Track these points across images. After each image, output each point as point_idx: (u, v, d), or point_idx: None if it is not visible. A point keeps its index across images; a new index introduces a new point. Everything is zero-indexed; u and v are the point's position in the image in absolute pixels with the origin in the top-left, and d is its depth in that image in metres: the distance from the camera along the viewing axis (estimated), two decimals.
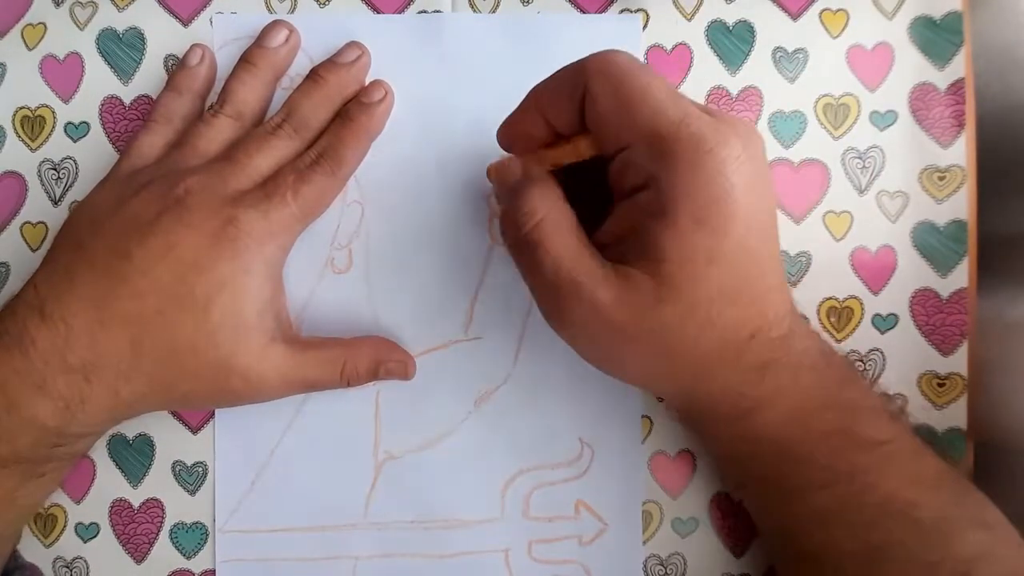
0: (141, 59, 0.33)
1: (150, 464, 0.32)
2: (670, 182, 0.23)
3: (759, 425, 0.26)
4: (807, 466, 0.26)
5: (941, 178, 0.32)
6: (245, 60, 0.32)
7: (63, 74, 0.33)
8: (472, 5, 0.33)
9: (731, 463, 0.30)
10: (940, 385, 0.32)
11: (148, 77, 0.33)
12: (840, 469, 0.26)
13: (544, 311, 0.27)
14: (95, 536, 0.32)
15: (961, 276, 0.32)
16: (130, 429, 0.32)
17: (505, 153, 0.29)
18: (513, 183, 0.27)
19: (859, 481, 0.26)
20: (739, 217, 0.23)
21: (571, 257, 0.24)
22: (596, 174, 0.26)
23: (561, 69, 0.25)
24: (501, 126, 0.28)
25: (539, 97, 0.26)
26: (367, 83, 0.32)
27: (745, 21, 0.33)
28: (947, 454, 0.31)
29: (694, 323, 0.24)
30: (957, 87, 0.32)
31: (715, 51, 0.33)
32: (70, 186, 0.33)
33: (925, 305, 0.32)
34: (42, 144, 0.33)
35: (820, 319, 0.32)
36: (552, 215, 0.25)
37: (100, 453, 0.32)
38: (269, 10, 0.33)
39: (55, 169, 0.33)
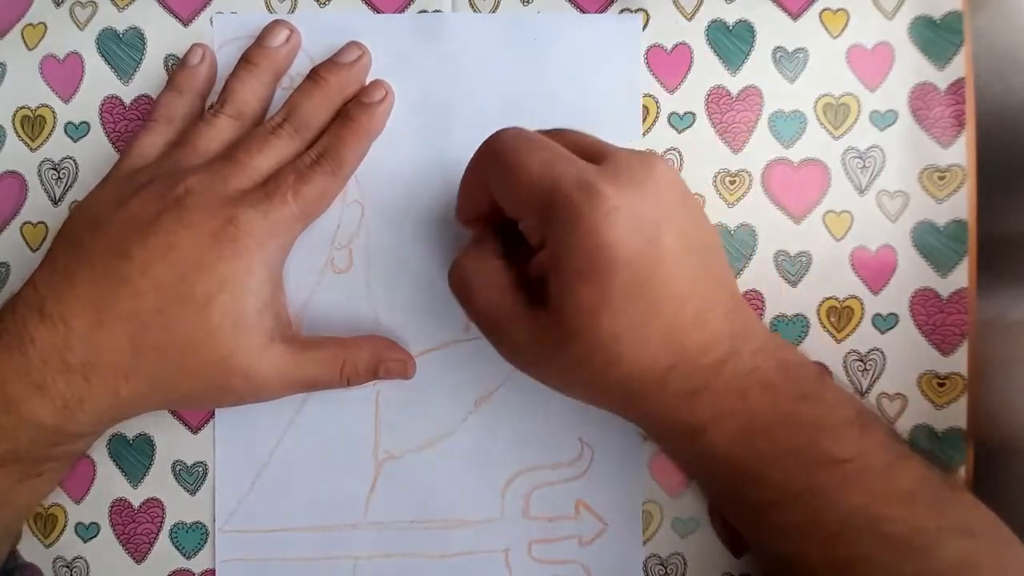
0: (141, 59, 0.33)
1: (150, 464, 0.32)
2: (552, 243, 0.25)
3: (707, 446, 0.26)
4: (762, 485, 0.26)
5: (941, 178, 0.32)
6: (245, 60, 0.32)
7: (63, 74, 0.33)
8: (472, 5, 0.33)
9: (697, 478, 0.31)
10: (940, 385, 0.32)
11: (148, 77, 0.33)
12: (797, 488, 0.26)
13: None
14: (95, 536, 0.32)
15: (961, 276, 0.32)
16: (130, 429, 0.32)
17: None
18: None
19: (819, 498, 0.25)
20: (621, 266, 0.24)
21: (492, 304, 0.27)
22: None
23: (473, 155, 0.28)
24: (455, 208, 0.30)
25: (465, 183, 0.29)
26: (367, 83, 0.32)
27: (745, 21, 0.33)
28: (938, 459, 0.31)
29: (599, 362, 0.25)
30: (957, 87, 0.32)
31: (715, 51, 0.33)
32: (70, 186, 0.33)
33: (925, 305, 0.32)
34: (42, 144, 0.33)
35: (820, 319, 0.32)
36: (479, 271, 0.28)
37: (100, 453, 0.32)
38: (269, 10, 0.33)
39: (55, 169, 0.33)
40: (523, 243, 0.27)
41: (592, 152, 0.26)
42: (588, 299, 0.24)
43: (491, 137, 0.27)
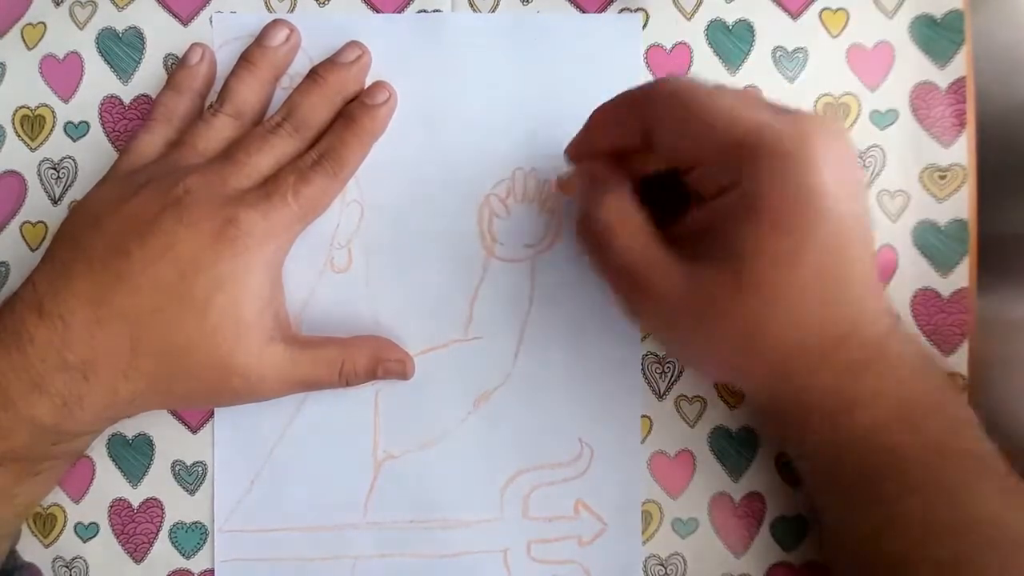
0: (141, 58, 0.33)
1: (150, 464, 0.32)
2: (751, 187, 0.23)
3: (853, 428, 0.25)
4: (907, 471, 0.25)
5: (942, 177, 0.32)
6: (245, 59, 0.32)
7: (63, 74, 0.33)
8: (472, 5, 0.33)
9: (816, 466, 0.29)
10: None
11: (148, 76, 0.33)
12: (935, 478, 0.25)
13: (621, 306, 0.27)
14: (95, 536, 0.32)
15: (962, 276, 0.32)
16: (130, 429, 0.32)
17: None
18: (586, 190, 0.28)
19: (952, 493, 0.25)
20: (822, 220, 0.23)
21: (639, 251, 0.25)
22: (670, 175, 0.27)
23: (622, 95, 0.26)
24: (569, 146, 0.29)
25: (603, 122, 0.27)
26: (370, 84, 0.32)
27: (745, 20, 0.33)
28: None
29: (777, 322, 0.24)
30: (958, 86, 0.32)
31: (715, 51, 0.33)
32: (70, 186, 0.33)
33: (926, 305, 0.32)
34: (42, 144, 0.33)
35: None
36: (621, 216, 0.26)
37: (100, 453, 0.32)
38: (269, 9, 0.33)
39: (55, 169, 0.33)
40: (656, 203, 0.25)
41: (773, 104, 0.25)
42: (788, 248, 0.23)
43: (660, 85, 0.25)
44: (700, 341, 0.26)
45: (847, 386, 0.25)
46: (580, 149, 0.28)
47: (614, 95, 0.27)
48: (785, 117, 0.23)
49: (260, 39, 0.32)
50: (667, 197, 0.26)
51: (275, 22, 0.32)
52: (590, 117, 0.27)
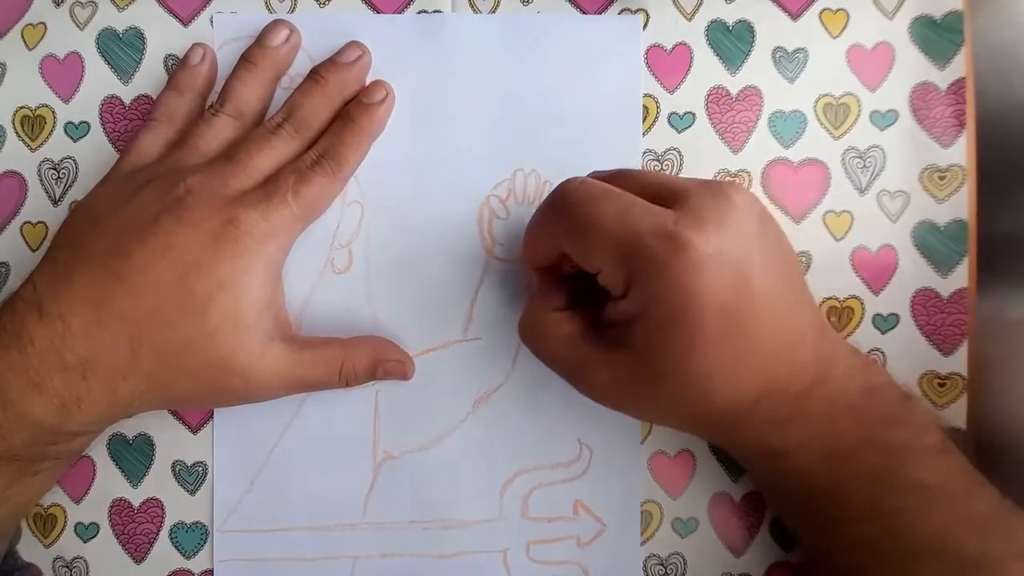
0: (141, 59, 0.33)
1: (150, 464, 0.32)
2: (637, 295, 0.25)
3: (793, 467, 0.27)
4: (845, 504, 0.27)
5: (942, 178, 0.32)
6: (245, 59, 0.32)
7: (63, 74, 0.33)
8: (472, 5, 0.33)
9: (772, 495, 0.31)
10: (940, 385, 0.32)
11: (148, 77, 0.33)
12: (881, 508, 0.26)
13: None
14: (95, 536, 0.32)
15: (961, 276, 0.32)
16: (130, 429, 0.32)
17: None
18: (528, 297, 0.30)
19: (900, 520, 0.26)
20: (711, 313, 0.24)
21: (568, 354, 0.27)
22: None
23: (541, 205, 0.28)
24: (524, 257, 0.30)
25: (529, 237, 0.28)
26: (368, 83, 0.32)
27: (745, 21, 0.33)
28: None
29: (690, 399, 0.25)
30: (958, 87, 0.32)
31: (715, 51, 0.33)
32: (70, 186, 0.33)
33: (926, 305, 0.32)
34: (42, 144, 0.33)
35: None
36: (549, 326, 0.28)
37: (100, 453, 0.32)
38: (269, 10, 0.33)
39: (55, 169, 0.33)
40: (591, 288, 0.27)
41: (663, 192, 0.26)
42: (679, 344, 0.24)
43: (556, 191, 0.26)
44: (637, 410, 0.28)
45: (772, 438, 0.27)
46: (529, 264, 0.29)
47: (538, 207, 0.28)
48: (658, 223, 0.24)
49: (260, 39, 0.32)
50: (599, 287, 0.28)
51: (275, 22, 0.32)
52: (525, 231, 0.29)
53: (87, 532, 0.32)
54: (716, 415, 0.26)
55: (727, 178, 0.33)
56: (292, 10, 0.33)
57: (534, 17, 0.33)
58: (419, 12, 0.33)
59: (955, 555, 0.25)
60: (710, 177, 0.33)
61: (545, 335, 0.28)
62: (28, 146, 0.33)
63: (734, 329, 0.24)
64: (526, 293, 0.32)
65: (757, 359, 0.25)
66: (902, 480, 0.26)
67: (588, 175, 0.27)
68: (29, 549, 0.32)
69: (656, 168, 0.33)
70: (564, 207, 0.26)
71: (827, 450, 0.26)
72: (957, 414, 0.32)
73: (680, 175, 0.33)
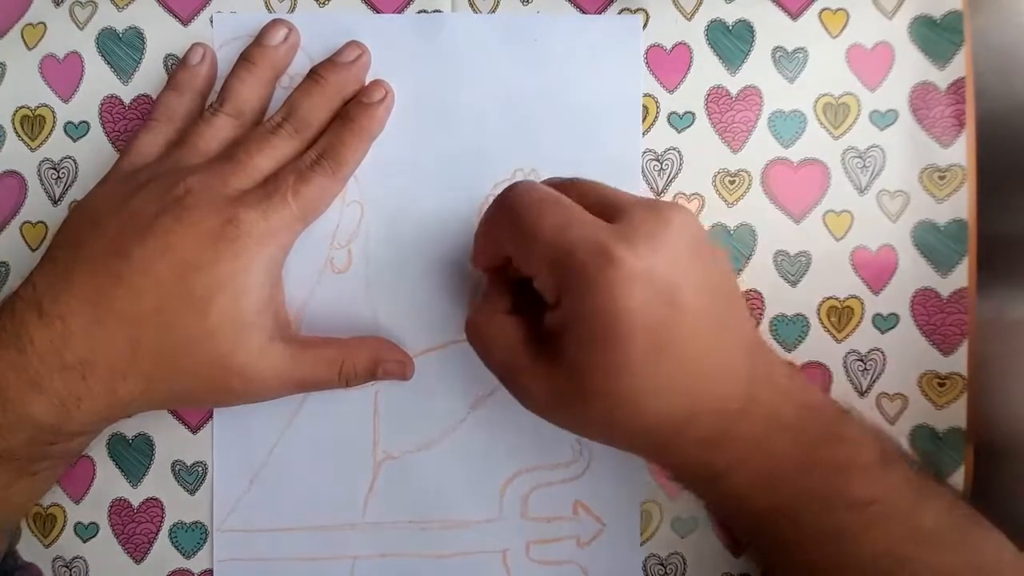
0: (141, 59, 0.33)
1: (150, 464, 0.32)
2: (566, 307, 0.24)
3: (729, 489, 0.27)
4: (788, 526, 0.26)
5: (941, 177, 0.32)
6: (244, 59, 0.32)
7: (63, 74, 0.33)
8: (472, 5, 0.33)
9: (722, 516, 0.31)
10: (940, 385, 0.32)
11: (148, 77, 0.33)
12: (822, 530, 0.26)
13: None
14: (94, 536, 0.32)
15: (961, 276, 0.32)
16: (130, 428, 0.32)
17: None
18: (475, 299, 0.30)
19: (845, 542, 0.25)
20: (640, 332, 0.23)
21: (510, 360, 0.27)
22: None
23: (487, 209, 0.27)
24: (471, 257, 0.30)
25: (479, 235, 0.28)
26: (367, 83, 0.32)
27: (745, 21, 0.33)
28: (939, 463, 0.32)
29: (618, 416, 0.25)
30: (957, 86, 0.32)
31: (715, 51, 0.33)
32: (70, 186, 0.33)
33: (926, 305, 0.32)
34: (42, 144, 0.33)
35: (820, 319, 0.32)
36: (493, 330, 0.27)
37: (100, 452, 0.32)
38: (269, 9, 0.33)
39: (55, 169, 0.33)
40: (537, 294, 0.26)
41: (606, 206, 0.26)
42: (605, 362, 0.24)
43: (503, 193, 0.26)
44: (572, 425, 0.28)
45: (703, 459, 0.26)
46: (476, 263, 0.29)
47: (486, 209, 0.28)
48: (591, 238, 0.24)
49: (259, 38, 0.32)
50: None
51: (274, 21, 0.32)
52: (475, 233, 0.29)
53: (87, 532, 0.32)
54: (646, 435, 0.26)
55: (727, 178, 0.33)
56: (292, 10, 0.33)
57: (534, 17, 0.33)
58: (419, 12, 0.33)
59: (904, 573, 0.25)
60: (710, 177, 0.33)
61: (488, 338, 0.28)
62: (28, 146, 0.33)
63: (661, 348, 0.24)
64: (473, 295, 0.32)
65: (685, 379, 0.25)
66: (841, 500, 0.26)
67: (542, 182, 0.27)
68: (29, 549, 0.32)
69: (656, 168, 0.33)
70: (508, 210, 0.26)
71: (763, 472, 0.26)
72: (957, 414, 0.32)
73: (679, 175, 0.33)
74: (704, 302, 0.25)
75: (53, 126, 0.33)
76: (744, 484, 0.26)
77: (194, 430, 0.32)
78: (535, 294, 0.26)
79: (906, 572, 0.25)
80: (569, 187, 0.27)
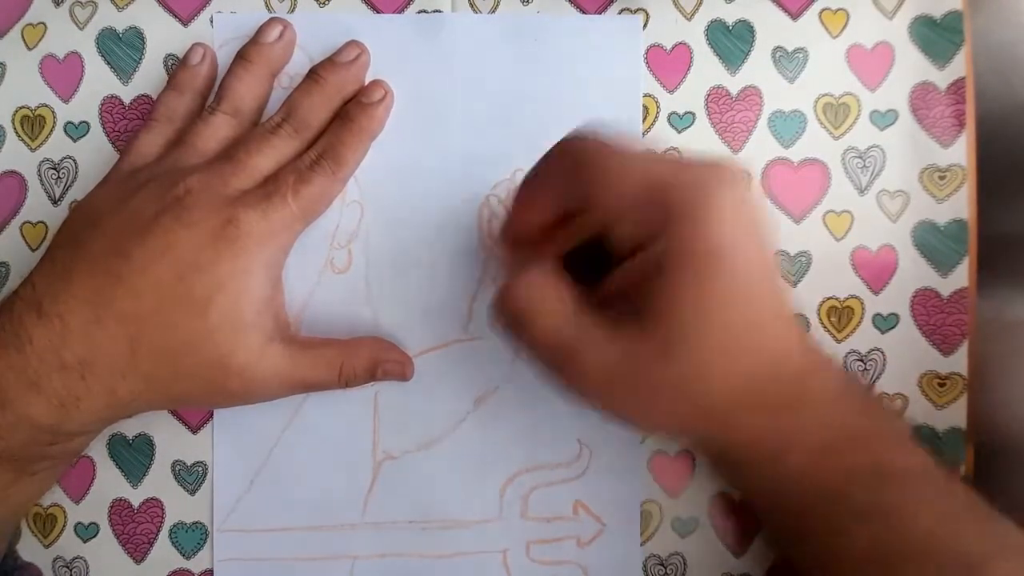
0: (141, 59, 0.33)
1: (150, 464, 0.32)
2: (664, 241, 0.23)
3: (789, 467, 0.26)
4: (842, 504, 0.26)
5: (942, 177, 0.32)
6: (240, 57, 0.32)
7: (63, 74, 0.33)
8: (472, 5, 0.33)
9: (768, 504, 0.29)
10: (940, 385, 0.32)
11: (148, 77, 0.33)
12: (878, 502, 0.25)
13: (551, 378, 0.26)
14: (95, 536, 0.32)
15: (961, 276, 0.32)
16: (130, 429, 0.32)
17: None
18: (509, 266, 0.28)
19: (899, 514, 0.25)
20: (738, 266, 0.23)
21: (564, 328, 0.25)
22: (591, 247, 0.26)
23: (542, 160, 0.26)
24: (504, 227, 0.28)
25: (527, 196, 0.27)
26: (367, 83, 0.32)
27: (745, 21, 0.33)
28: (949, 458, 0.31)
29: (706, 376, 0.24)
30: (957, 86, 0.32)
31: (715, 51, 0.33)
32: (70, 186, 0.33)
33: (926, 305, 0.32)
34: (42, 144, 0.33)
35: (820, 319, 0.32)
36: (543, 293, 0.25)
37: (100, 453, 0.32)
38: (269, 9, 0.33)
39: (55, 169, 0.33)
40: (582, 267, 0.26)
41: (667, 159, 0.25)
42: (702, 300, 0.23)
43: (567, 142, 0.25)
44: (632, 402, 0.26)
45: (772, 429, 0.26)
46: (515, 230, 0.27)
47: (535, 163, 0.26)
48: (689, 172, 0.24)
49: (255, 37, 0.32)
50: (590, 268, 0.26)
51: (269, 20, 0.32)
52: (519, 189, 0.27)
53: (87, 532, 0.32)
54: (721, 398, 0.25)
55: None
56: (292, 10, 0.33)
57: (534, 17, 0.33)
58: (419, 12, 0.33)
59: (952, 553, 0.24)
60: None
61: (535, 302, 0.25)
62: (28, 146, 0.33)
63: (755, 291, 0.23)
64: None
65: (773, 332, 0.24)
66: (889, 470, 0.25)
67: None
68: (29, 549, 0.32)
69: None
70: (579, 152, 0.25)
71: (823, 444, 0.26)
72: (957, 414, 0.32)
73: None
74: (773, 264, 0.25)
75: (53, 126, 0.33)
76: (803, 460, 0.26)
77: (194, 430, 0.32)
78: (581, 266, 0.25)
79: (953, 553, 0.24)
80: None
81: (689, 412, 0.26)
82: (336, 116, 0.31)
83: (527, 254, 0.27)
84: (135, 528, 0.32)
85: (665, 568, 0.32)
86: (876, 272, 0.32)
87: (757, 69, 0.33)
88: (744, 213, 0.23)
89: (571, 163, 0.25)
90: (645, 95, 0.33)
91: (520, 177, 0.32)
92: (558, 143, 0.25)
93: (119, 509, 0.32)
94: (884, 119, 0.32)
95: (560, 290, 0.25)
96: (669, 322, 0.23)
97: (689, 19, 0.33)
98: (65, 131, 0.33)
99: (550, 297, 0.25)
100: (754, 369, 0.25)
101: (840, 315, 0.32)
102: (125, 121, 0.33)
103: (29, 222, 0.33)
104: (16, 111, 0.33)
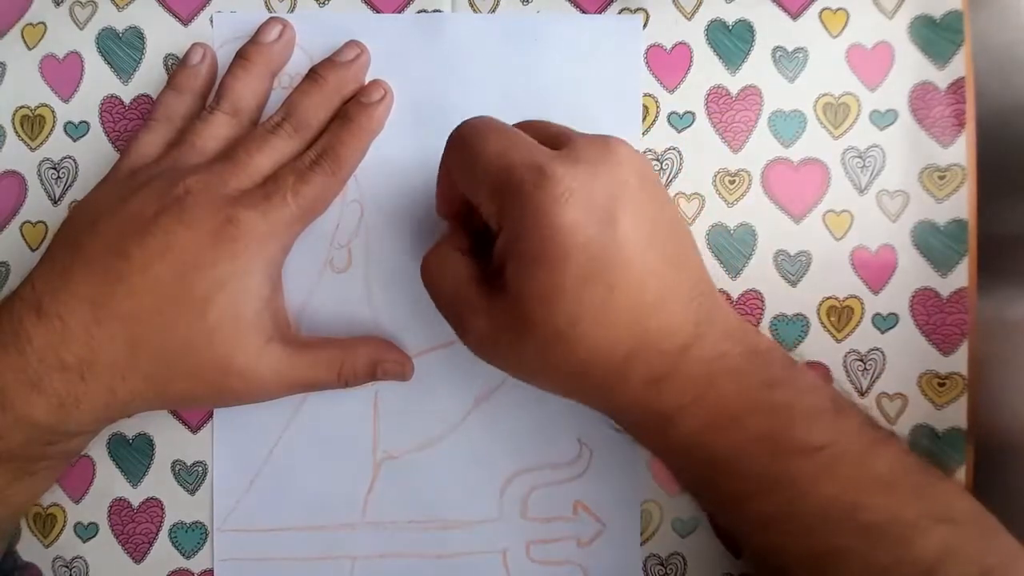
0: (141, 58, 0.33)
1: (150, 463, 0.32)
2: (506, 228, 0.25)
3: (677, 436, 0.26)
4: (734, 475, 0.26)
5: (941, 177, 0.32)
6: (240, 56, 0.32)
7: (63, 73, 0.33)
8: (472, 5, 0.33)
9: (671, 469, 0.29)
10: (940, 385, 0.32)
11: (148, 76, 0.33)
12: (771, 477, 0.25)
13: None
14: (94, 536, 0.32)
15: (961, 275, 0.32)
16: (130, 428, 0.32)
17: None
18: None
19: (794, 488, 0.25)
20: (576, 250, 0.24)
21: (455, 293, 0.27)
22: None
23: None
24: (436, 203, 0.30)
25: (439, 177, 0.29)
26: (366, 83, 0.32)
27: (745, 20, 0.33)
28: (938, 459, 0.31)
29: (559, 349, 0.25)
30: (957, 86, 0.32)
31: (715, 50, 0.33)
32: (70, 185, 0.33)
33: (925, 304, 0.32)
34: (42, 143, 0.33)
35: (820, 319, 0.32)
36: (443, 262, 0.28)
37: (100, 452, 0.32)
38: (269, 9, 0.33)
39: (55, 168, 0.33)
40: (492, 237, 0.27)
41: (556, 139, 0.26)
42: (543, 284, 0.24)
43: (458, 126, 0.27)
44: (511, 368, 0.28)
45: (648, 401, 0.26)
46: (438, 209, 0.30)
47: None
48: (536, 153, 0.25)
49: (254, 36, 0.32)
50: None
51: (269, 19, 0.32)
52: (438, 175, 0.29)
53: (87, 532, 0.32)
54: (587, 370, 0.25)
55: (727, 178, 0.33)
56: (292, 9, 0.33)
57: (534, 17, 0.33)
58: (419, 12, 0.33)
59: (856, 522, 0.24)
60: (710, 177, 0.33)
61: (441, 273, 0.28)
62: (28, 146, 0.33)
63: (598, 272, 0.24)
64: None
65: (625, 308, 0.24)
66: (790, 444, 0.25)
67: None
68: (29, 549, 0.32)
69: (656, 168, 0.33)
70: (456, 139, 0.27)
71: (711, 415, 0.25)
72: (957, 414, 0.32)
73: (680, 175, 0.33)
74: (646, 233, 0.25)
75: (53, 126, 0.33)
76: (692, 430, 0.25)
77: (194, 430, 0.32)
78: (492, 242, 0.26)
79: (859, 518, 0.24)
80: (523, 125, 0.27)
81: (559, 380, 0.27)
82: (336, 116, 0.31)
83: (446, 230, 0.30)
84: (135, 528, 0.32)
85: (665, 568, 0.32)
86: (876, 272, 0.32)
87: (757, 69, 0.33)
88: (586, 197, 0.24)
89: (449, 150, 0.27)
90: (645, 95, 0.33)
91: None
92: (455, 128, 0.27)
93: (119, 509, 0.32)
94: (884, 119, 0.32)
95: (457, 263, 0.28)
96: (520, 301, 0.25)
97: (689, 19, 0.33)
98: (65, 131, 0.33)
99: (449, 268, 0.28)
100: (610, 346, 0.25)
101: (840, 315, 0.32)
102: (125, 121, 0.33)
103: (29, 222, 0.33)
104: (16, 111, 0.33)
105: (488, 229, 0.27)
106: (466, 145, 0.26)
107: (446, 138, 0.27)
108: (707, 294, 0.27)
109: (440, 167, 0.28)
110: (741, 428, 0.25)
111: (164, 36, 0.33)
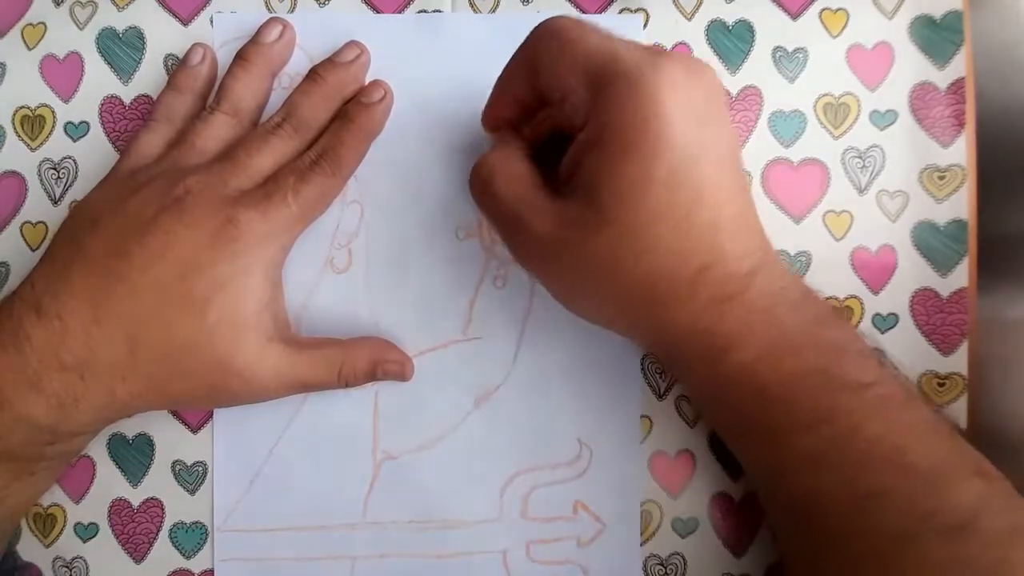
0: (141, 59, 0.33)
1: (150, 463, 0.32)
2: (599, 113, 0.24)
3: (734, 365, 0.25)
4: (787, 407, 0.25)
5: (941, 177, 0.32)
6: (240, 57, 0.32)
7: (63, 74, 0.33)
8: (472, 5, 0.33)
9: (712, 406, 0.29)
10: (940, 385, 0.32)
11: (148, 77, 0.33)
12: (822, 409, 0.25)
13: (507, 248, 0.28)
14: (94, 536, 0.32)
15: (961, 276, 0.32)
16: (130, 428, 0.32)
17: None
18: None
19: (843, 423, 0.25)
20: (672, 143, 0.23)
21: (516, 193, 0.26)
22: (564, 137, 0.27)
23: (517, 50, 0.27)
24: (482, 113, 0.30)
25: (504, 77, 0.28)
26: (367, 83, 0.32)
27: (745, 20, 0.33)
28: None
29: (631, 249, 0.24)
30: (957, 86, 0.32)
31: (715, 50, 0.33)
32: (70, 186, 0.33)
33: (925, 305, 0.32)
34: (42, 144, 0.33)
35: None
36: (503, 162, 0.27)
37: (100, 452, 0.32)
38: (269, 9, 0.33)
39: (55, 169, 0.33)
40: (549, 152, 0.26)
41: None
42: (633, 175, 0.23)
43: (541, 23, 0.26)
44: (569, 277, 0.27)
45: (713, 322, 0.25)
46: (492, 114, 0.29)
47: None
48: (635, 50, 0.24)
49: (254, 37, 0.32)
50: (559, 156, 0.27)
51: (269, 20, 0.32)
52: (497, 80, 0.28)
53: (87, 532, 0.32)
54: (653, 279, 0.24)
55: None
56: (292, 10, 0.33)
57: (534, 17, 0.33)
58: (419, 12, 0.33)
59: (901, 464, 0.24)
60: None
61: (502, 176, 0.27)
62: (28, 146, 0.33)
63: (690, 172, 0.23)
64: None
65: (706, 218, 0.24)
66: (841, 379, 0.25)
67: None
68: (29, 549, 0.32)
69: None
70: (551, 28, 0.26)
71: (770, 345, 0.25)
72: (957, 414, 0.32)
73: None
74: (725, 152, 0.25)
75: (53, 126, 0.33)
76: (748, 359, 0.25)
77: (194, 430, 0.32)
78: (547, 154, 0.26)
79: (904, 460, 0.24)
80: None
81: (616, 293, 0.26)
82: (336, 116, 0.31)
83: (499, 137, 0.29)
84: (135, 528, 0.32)
85: (665, 568, 0.32)
86: (876, 272, 0.32)
87: (757, 69, 0.33)
88: (696, 98, 0.24)
89: (533, 43, 0.26)
90: None
91: None
92: (533, 29, 0.26)
93: (119, 509, 0.32)
94: (884, 119, 0.32)
95: (520, 164, 0.27)
96: (600, 195, 0.24)
97: (689, 19, 0.33)
98: (65, 131, 0.33)
99: (512, 169, 0.27)
100: (686, 254, 0.24)
101: (840, 315, 0.32)
102: (125, 121, 0.33)
103: (29, 222, 0.33)
104: (16, 111, 0.33)
105: (543, 146, 0.26)
106: (564, 32, 0.25)
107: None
108: (764, 232, 0.27)
109: (508, 66, 0.28)
110: (796, 359, 0.25)
111: (164, 36, 0.33)
